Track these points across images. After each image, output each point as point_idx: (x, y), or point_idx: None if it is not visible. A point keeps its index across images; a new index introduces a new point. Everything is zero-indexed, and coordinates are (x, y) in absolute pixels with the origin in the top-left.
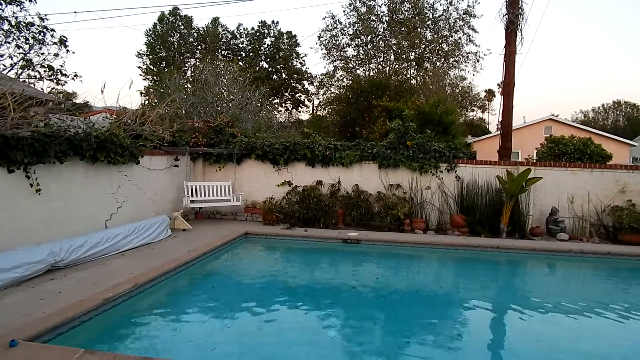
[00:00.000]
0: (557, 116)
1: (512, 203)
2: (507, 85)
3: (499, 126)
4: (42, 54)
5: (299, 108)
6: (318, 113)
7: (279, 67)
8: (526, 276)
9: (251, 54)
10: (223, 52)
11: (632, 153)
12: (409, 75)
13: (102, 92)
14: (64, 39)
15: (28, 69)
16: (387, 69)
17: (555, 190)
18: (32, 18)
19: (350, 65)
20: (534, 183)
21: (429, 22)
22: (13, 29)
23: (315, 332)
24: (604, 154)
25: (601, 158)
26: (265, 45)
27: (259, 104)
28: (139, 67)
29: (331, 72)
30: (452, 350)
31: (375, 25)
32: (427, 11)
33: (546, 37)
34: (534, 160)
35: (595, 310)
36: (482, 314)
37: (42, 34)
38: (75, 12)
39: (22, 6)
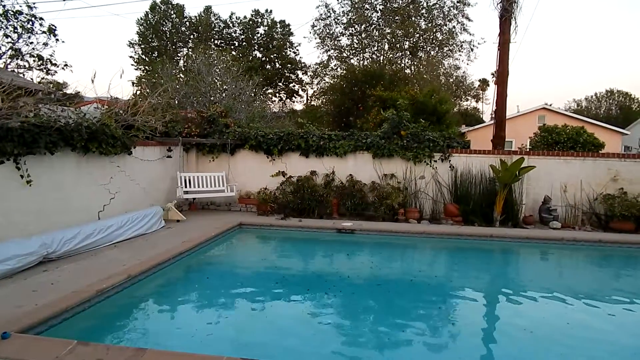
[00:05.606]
0: (550, 105)
1: (505, 192)
2: (501, 74)
3: (493, 115)
4: (31, 43)
5: (293, 98)
6: (312, 103)
7: (272, 56)
8: (519, 264)
9: (244, 43)
10: (216, 42)
11: (624, 141)
12: (403, 65)
13: (92, 82)
14: (53, 27)
15: (17, 59)
16: (381, 59)
17: (548, 179)
18: (20, 6)
19: (344, 54)
20: (527, 172)
21: (423, 10)
22: (1, 18)
23: (310, 320)
24: (596, 142)
25: (594, 147)
26: (259, 35)
27: (253, 94)
28: (130, 57)
29: (325, 62)
30: (444, 340)
31: (369, 14)
32: None
33: (540, 26)
34: (527, 149)
35: (587, 297)
36: (475, 303)
37: (30, 22)
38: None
39: None
